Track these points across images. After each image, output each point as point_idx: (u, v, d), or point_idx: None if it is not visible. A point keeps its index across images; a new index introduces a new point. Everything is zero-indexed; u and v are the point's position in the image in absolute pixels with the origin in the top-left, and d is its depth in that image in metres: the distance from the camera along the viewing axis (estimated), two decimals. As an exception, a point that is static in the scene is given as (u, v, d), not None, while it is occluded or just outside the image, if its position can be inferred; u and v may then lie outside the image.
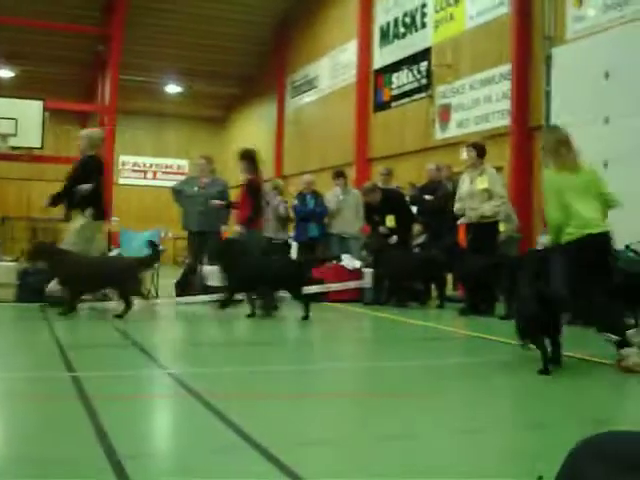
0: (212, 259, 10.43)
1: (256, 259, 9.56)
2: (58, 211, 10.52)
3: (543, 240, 9.56)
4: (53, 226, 12.34)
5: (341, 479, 3.05)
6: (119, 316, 8.51)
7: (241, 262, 9.23)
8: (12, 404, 4.38)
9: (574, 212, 5.87)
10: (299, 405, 4.51)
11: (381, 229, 11.35)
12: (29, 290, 10.04)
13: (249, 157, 10.14)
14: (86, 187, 9.38)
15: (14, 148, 17.89)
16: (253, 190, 10.04)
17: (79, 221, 9.43)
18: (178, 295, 10.96)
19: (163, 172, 30.05)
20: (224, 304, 9.22)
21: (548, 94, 12.41)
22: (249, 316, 9.10)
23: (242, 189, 10.24)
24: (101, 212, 9.67)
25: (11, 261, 11.31)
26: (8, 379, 5.15)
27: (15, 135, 17.50)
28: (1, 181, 26.36)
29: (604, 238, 5.97)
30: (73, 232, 9.43)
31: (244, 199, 10.12)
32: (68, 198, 9.57)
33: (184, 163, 29.92)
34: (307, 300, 9.19)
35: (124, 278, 8.78)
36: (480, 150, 9.92)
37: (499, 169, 11.53)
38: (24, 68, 25.72)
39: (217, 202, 10.82)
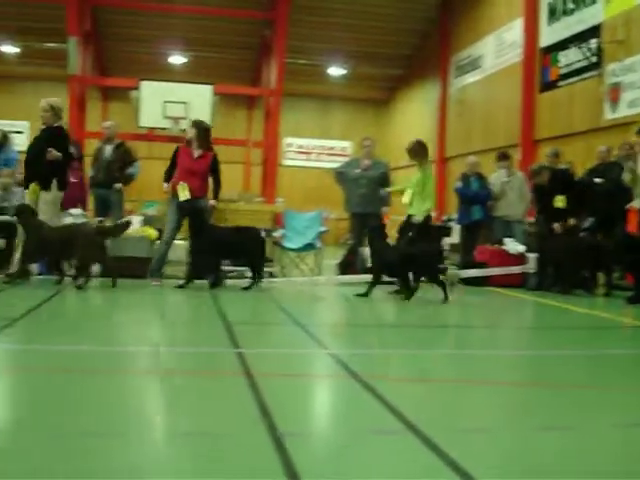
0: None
1: (396, 246, 9.56)
2: (227, 192, 10.76)
3: None
4: (222, 207, 12.69)
5: (497, 470, 3.01)
6: (79, 287, 8.66)
7: (384, 248, 9.26)
8: (178, 378, 4.57)
9: None
10: (456, 390, 4.47)
11: (555, 226, 10.88)
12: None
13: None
14: (58, 155, 9.32)
15: (185, 131, 18.56)
16: None
17: (52, 192, 9.45)
18: (340, 275, 11.12)
19: (327, 154, 30.43)
20: (370, 288, 9.21)
21: None
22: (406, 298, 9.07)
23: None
24: (64, 183, 9.65)
25: (182, 240, 11.75)
26: (176, 354, 5.39)
27: (186, 118, 18.20)
28: (173, 163, 27.49)
29: None
30: (47, 204, 9.41)
31: None
32: (34, 169, 9.47)
33: (347, 145, 30.17)
34: (444, 284, 9.05)
35: (83, 246, 8.80)
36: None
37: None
38: (194, 54, 26.71)
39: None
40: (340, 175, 11.56)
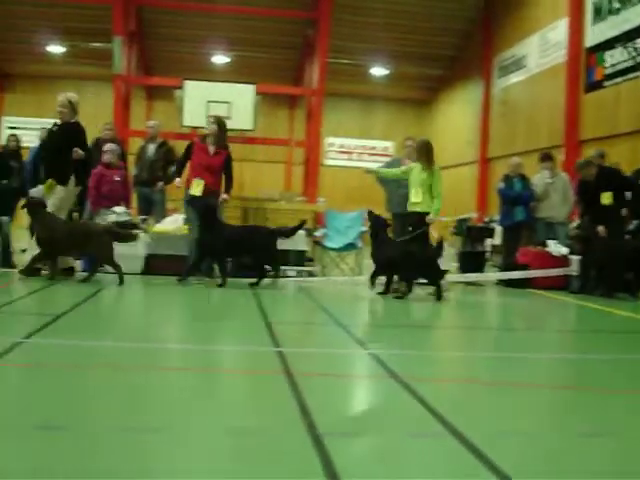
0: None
1: (398, 244, 9.54)
2: (268, 191, 10.82)
3: None
4: (264, 206, 12.72)
5: (538, 474, 2.99)
6: (84, 280, 8.74)
7: (384, 246, 9.26)
8: (220, 376, 4.60)
9: None
10: (497, 393, 4.43)
11: (599, 229, 10.72)
12: (240, 265, 10.52)
13: None
14: (82, 154, 9.37)
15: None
16: None
17: (68, 188, 9.52)
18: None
19: (368, 153, 30.39)
20: (371, 282, 9.23)
21: None
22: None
23: None
24: (83, 179, 9.74)
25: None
26: (218, 352, 5.43)
27: (229, 118, 18.28)
28: (215, 162, 27.65)
29: None
30: (61, 199, 9.46)
31: None
32: (53, 166, 9.51)
33: (389, 145, 30.11)
34: (440, 286, 9.01)
35: (96, 244, 8.87)
36: None
37: None
38: (237, 54, 26.85)
39: None
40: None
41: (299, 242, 11.50)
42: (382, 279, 9.24)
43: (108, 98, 22.80)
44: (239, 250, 9.67)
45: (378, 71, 28.25)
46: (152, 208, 11.76)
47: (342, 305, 8.73)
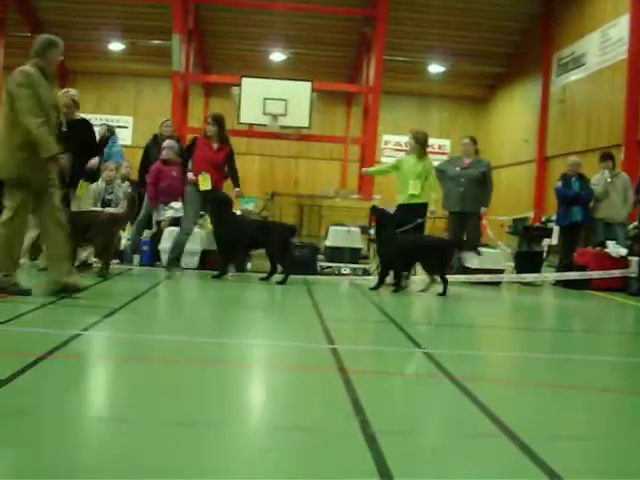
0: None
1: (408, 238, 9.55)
2: (324, 189, 10.87)
3: None
4: (319, 203, 12.77)
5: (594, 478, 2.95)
6: (102, 275, 8.64)
7: (392, 241, 9.24)
8: (275, 372, 4.64)
9: None
10: (555, 395, 4.38)
11: None
12: (294, 262, 10.56)
13: None
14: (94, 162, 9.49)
15: (284, 127, 18.80)
16: None
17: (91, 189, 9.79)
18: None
19: (424, 151, 30.20)
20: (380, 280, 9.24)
21: None
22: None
23: None
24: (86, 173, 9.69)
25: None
26: (273, 347, 5.47)
27: (285, 115, 18.41)
28: (271, 159, 27.84)
29: None
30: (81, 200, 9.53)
31: None
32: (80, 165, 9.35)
33: (446, 143, 29.91)
34: (447, 280, 9.03)
35: (97, 233, 8.76)
36: None
37: None
38: (294, 51, 26.93)
39: None
40: (441, 173, 11.50)
41: (354, 240, 11.51)
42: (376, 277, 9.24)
43: (166, 95, 23.09)
44: (253, 243, 9.72)
45: (435, 68, 28.07)
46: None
47: (397, 303, 8.70)
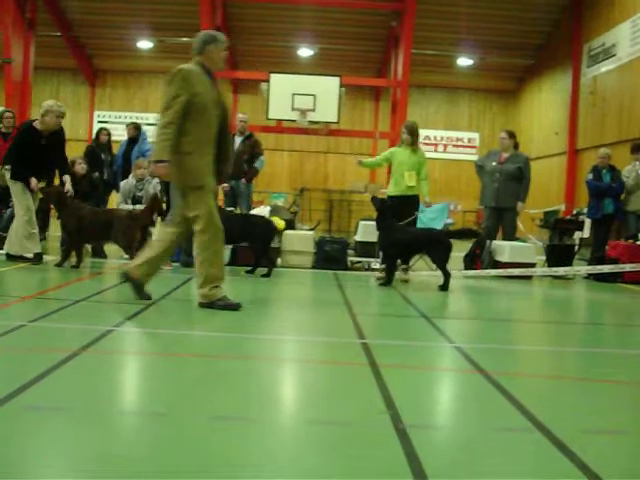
0: None
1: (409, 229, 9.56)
2: (353, 183, 10.89)
3: None
4: (348, 198, 12.80)
5: (628, 474, 2.93)
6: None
7: (394, 232, 9.19)
8: (306, 366, 4.65)
9: None
10: (587, 389, 4.36)
11: None
12: (325, 257, 10.66)
13: None
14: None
15: (312, 123, 18.80)
16: None
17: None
18: (466, 268, 11.03)
19: (453, 145, 30.06)
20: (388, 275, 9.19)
21: None
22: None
23: None
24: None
25: (309, 230, 11.99)
26: (305, 343, 5.48)
27: (313, 110, 18.39)
28: (300, 154, 27.85)
29: None
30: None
31: None
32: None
33: (475, 136, 29.75)
34: (449, 274, 8.90)
35: (115, 230, 8.90)
36: None
37: None
38: (322, 46, 26.90)
39: None
40: (480, 168, 11.47)
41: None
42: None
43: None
44: (237, 237, 9.72)
45: (463, 61, 27.90)
46: (238, 200, 11.92)
47: (427, 298, 8.69)
